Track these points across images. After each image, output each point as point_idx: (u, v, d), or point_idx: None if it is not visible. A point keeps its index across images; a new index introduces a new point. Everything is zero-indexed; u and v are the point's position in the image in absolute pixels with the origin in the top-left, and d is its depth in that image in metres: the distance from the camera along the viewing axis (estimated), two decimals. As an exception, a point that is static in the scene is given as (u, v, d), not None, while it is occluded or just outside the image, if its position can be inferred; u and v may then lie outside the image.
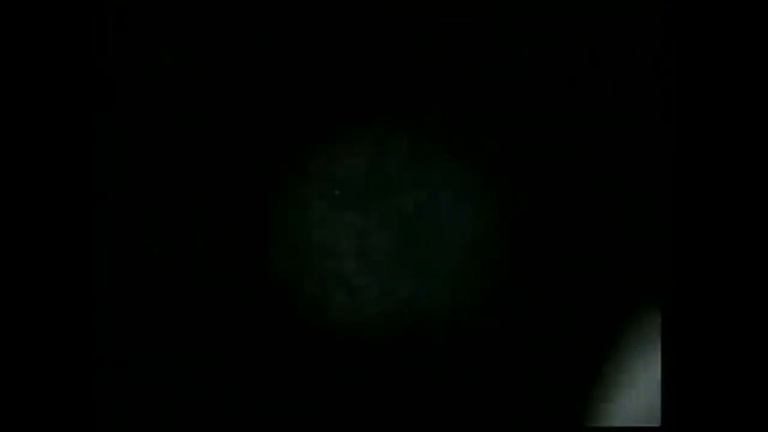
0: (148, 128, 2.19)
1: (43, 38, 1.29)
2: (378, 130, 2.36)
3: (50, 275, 1.30)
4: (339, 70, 2.33)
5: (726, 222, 1.17)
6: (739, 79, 1.17)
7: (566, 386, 2.04)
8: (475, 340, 2.50)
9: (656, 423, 1.66)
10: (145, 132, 2.18)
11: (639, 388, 1.76)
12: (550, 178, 2.45)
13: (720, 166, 1.18)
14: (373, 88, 2.36)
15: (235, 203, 2.31)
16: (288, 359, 2.32)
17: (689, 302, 1.21)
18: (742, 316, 1.14)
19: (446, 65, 2.36)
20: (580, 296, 2.50)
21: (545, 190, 2.46)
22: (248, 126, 2.29)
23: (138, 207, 2.16)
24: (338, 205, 2.38)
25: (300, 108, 2.32)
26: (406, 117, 2.37)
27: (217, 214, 2.31)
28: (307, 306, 2.40)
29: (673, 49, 1.23)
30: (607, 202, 2.43)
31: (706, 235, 1.19)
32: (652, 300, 2.31)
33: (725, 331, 1.17)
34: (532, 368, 2.25)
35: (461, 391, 2.01)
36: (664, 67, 2.04)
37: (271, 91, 2.30)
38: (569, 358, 2.38)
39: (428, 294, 2.44)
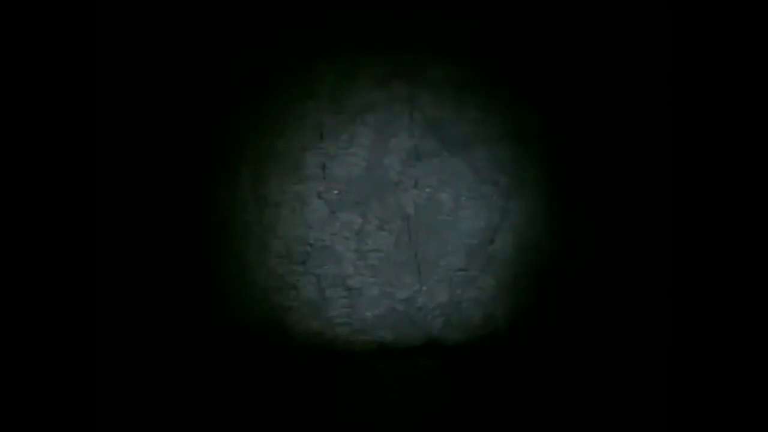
0: (146, 127, 2.19)
1: (44, 38, 1.29)
2: (377, 131, 2.36)
3: (50, 275, 1.30)
4: (335, 67, 2.33)
5: (725, 222, 1.17)
6: (741, 82, 1.17)
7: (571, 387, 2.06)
8: (476, 339, 2.51)
9: None
10: (143, 131, 2.18)
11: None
12: (550, 177, 2.46)
13: (720, 166, 1.18)
14: (372, 90, 2.36)
15: (233, 203, 2.31)
16: (287, 359, 2.33)
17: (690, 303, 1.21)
18: (742, 316, 1.15)
19: (445, 64, 2.36)
20: (580, 296, 2.50)
21: (545, 190, 2.46)
22: (246, 125, 2.29)
23: (137, 207, 2.16)
24: (338, 204, 2.38)
25: (298, 109, 2.32)
26: (404, 114, 2.37)
27: (216, 213, 2.31)
28: (306, 306, 2.40)
29: (677, 53, 1.23)
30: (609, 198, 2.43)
31: (706, 236, 1.20)
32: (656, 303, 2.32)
33: (726, 331, 1.17)
34: (535, 367, 2.26)
35: (462, 389, 2.02)
36: (666, 70, 2.04)
37: (270, 90, 2.30)
38: (570, 357, 2.39)
39: (427, 294, 2.44)
